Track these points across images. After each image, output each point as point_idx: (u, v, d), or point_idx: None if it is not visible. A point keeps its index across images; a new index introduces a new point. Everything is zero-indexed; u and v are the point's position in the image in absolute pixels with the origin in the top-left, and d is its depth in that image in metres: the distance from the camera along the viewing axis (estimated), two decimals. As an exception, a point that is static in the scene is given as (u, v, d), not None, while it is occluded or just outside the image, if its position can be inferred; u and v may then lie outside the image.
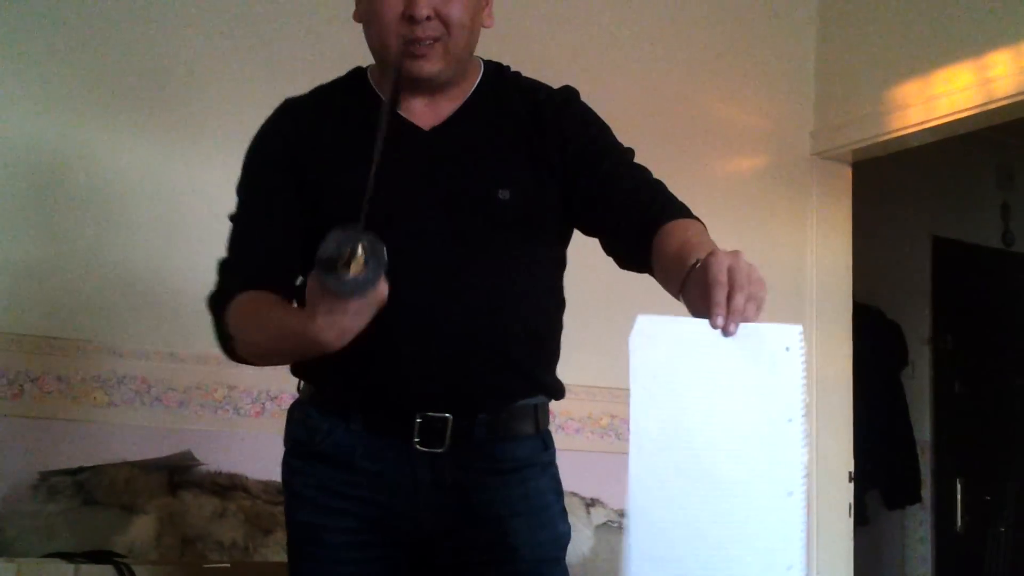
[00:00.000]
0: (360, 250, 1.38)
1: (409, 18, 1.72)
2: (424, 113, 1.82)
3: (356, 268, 1.38)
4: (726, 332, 1.37)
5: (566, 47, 3.75)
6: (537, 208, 1.81)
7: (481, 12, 1.83)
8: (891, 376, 5.81)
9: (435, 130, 1.81)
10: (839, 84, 4.35)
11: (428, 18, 1.72)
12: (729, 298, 1.37)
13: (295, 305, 1.73)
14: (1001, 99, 3.73)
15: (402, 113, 1.80)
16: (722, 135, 4.22)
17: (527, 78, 1.93)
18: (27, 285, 3.09)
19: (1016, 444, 5.65)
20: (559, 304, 1.92)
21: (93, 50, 3.24)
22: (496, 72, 1.91)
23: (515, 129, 1.83)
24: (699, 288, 1.41)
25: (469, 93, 1.86)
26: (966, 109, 3.85)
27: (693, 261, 1.46)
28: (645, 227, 1.69)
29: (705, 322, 1.38)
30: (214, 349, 2.84)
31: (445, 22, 1.74)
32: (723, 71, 4.25)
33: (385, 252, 1.39)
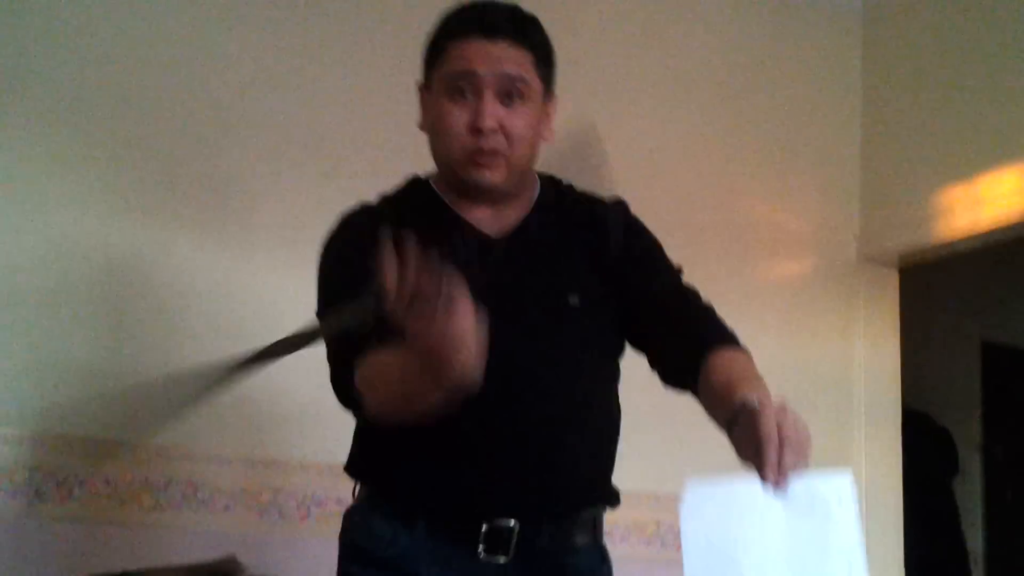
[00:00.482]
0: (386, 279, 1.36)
1: (476, 130, 1.77)
2: (490, 222, 1.86)
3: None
4: (777, 491, 1.39)
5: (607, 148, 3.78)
6: (603, 315, 1.85)
7: (542, 127, 1.88)
8: (942, 484, 5.72)
9: (504, 239, 1.85)
10: (884, 187, 4.36)
11: (493, 130, 1.76)
12: (780, 455, 1.39)
13: None
14: (1048, 204, 3.72)
15: (470, 221, 1.85)
16: (766, 239, 4.23)
17: (580, 189, 1.98)
18: (80, 387, 3.12)
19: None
20: (619, 412, 1.94)
21: (162, 160, 3.32)
22: (552, 183, 1.96)
23: (579, 238, 1.88)
24: (746, 434, 1.44)
25: (531, 203, 1.91)
26: (1013, 214, 3.84)
27: (739, 401, 1.49)
28: (693, 352, 1.72)
29: (755, 482, 1.40)
30: (259, 451, 2.87)
31: (508, 135, 1.78)
32: (766, 174, 4.27)
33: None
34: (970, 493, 5.86)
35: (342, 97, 3.58)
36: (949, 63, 4.17)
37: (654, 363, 1.84)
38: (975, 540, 5.81)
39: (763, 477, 1.38)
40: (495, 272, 1.79)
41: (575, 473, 1.79)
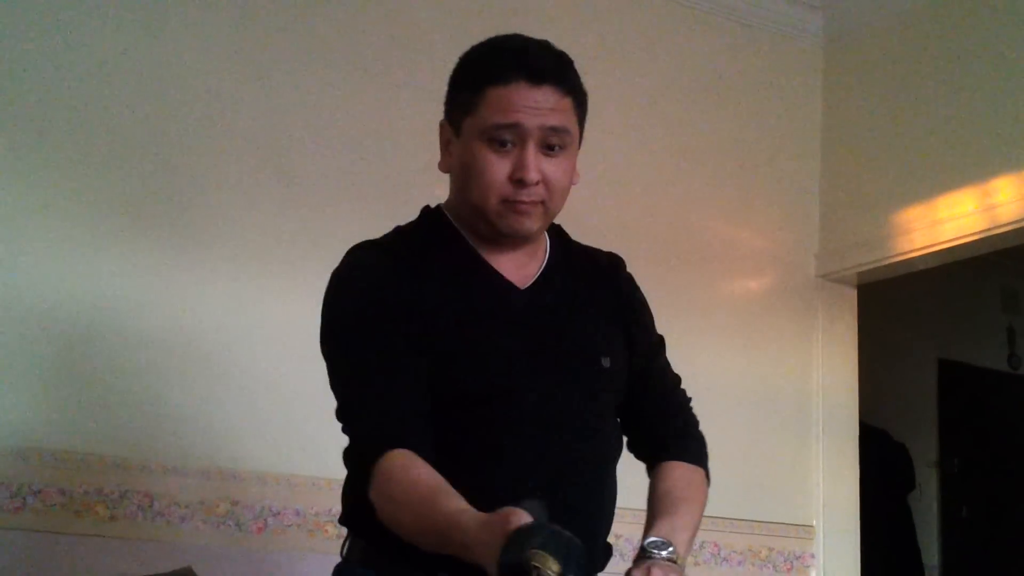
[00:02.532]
0: (551, 558, 1.22)
1: (519, 181, 1.69)
2: (513, 270, 1.79)
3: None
4: None
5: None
6: (625, 378, 1.83)
7: (574, 171, 1.80)
8: (898, 499, 5.77)
9: (530, 289, 1.79)
10: (843, 207, 4.40)
11: (536, 182, 1.69)
12: None
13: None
14: (1005, 224, 3.76)
15: (495, 267, 1.78)
16: (726, 257, 4.26)
17: (575, 240, 1.95)
18: (33, 400, 3.10)
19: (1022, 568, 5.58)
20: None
21: (122, 181, 3.31)
22: (556, 231, 1.91)
23: (595, 295, 1.85)
24: None
25: (546, 251, 1.85)
26: (970, 234, 3.88)
27: (647, 541, 1.61)
28: (656, 448, 1.86)
29: None
30: (216, 463, 2.82)
31: (548, 185, 1.71)
32: (727, 192, 4.30)
33: (579, 550, 1.25)
34: (926, 508, 5.91)
35: (305, 119, 3.57)
36: (908, 86, 4.22)
37: (625, 430, 1.88)
38: (931, 554, 5.86)
39: None
40: (523, 325, 1.75)
41: (596, 535, 1.74)
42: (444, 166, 1.80)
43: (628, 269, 1.96)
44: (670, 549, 1.61)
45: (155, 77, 3.41)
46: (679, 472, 1.81)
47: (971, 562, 5.84)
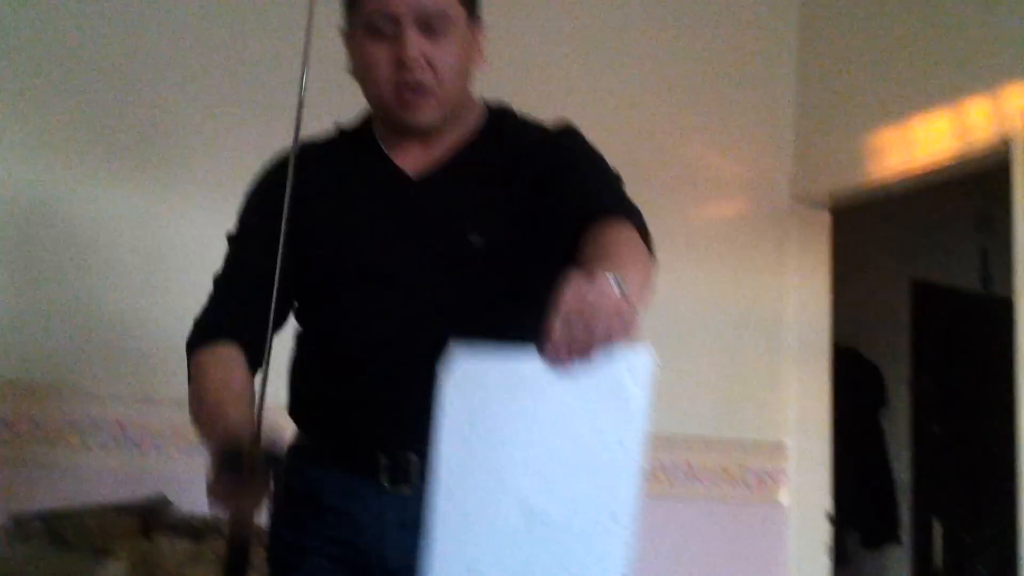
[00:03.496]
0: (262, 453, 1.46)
1: (399, 63, 1.72)
2: (417, 159, 1.82)
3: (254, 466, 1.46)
4: (560, 369, 1.29)
5: (541, 90, 3.76)
6: (514, 257, 1.78)
7: (471, 54, 1.82)
8: (870, 417, 5.83)
9: (423, 179, 1.81)
10: (818, 130, 4.39)
11: (417, 61, 1.71)
12: (570, 332, 1.28)
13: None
14: (978, 146, 3.76)
15: (394, 159, 1.82)
16: (701, 181, 4.26)
17: (531, 121, 1.90)
18: (2, 329, 3.08)
19: (994, 485, 5.66)
20: None
21: (80, 98, 3.26)
22: (499, 117, 1.90)
23: (505, 175, 1.81)
24: None
25: (465, 138, 1.85)
26: (944, 156, 3.88)
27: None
28: (580, 224, 1.61)
29: (534, 355, 1.29)
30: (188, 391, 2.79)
31: (435, 69, 1.73)
32: (701, 118, 4.28)
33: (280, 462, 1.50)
34: (898, 426, 5.97)
35: (272, 40, 3.50)
36: (884, 7, 4.18)
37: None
38: (902, 470, 5.93)
39: (542, 352, 1.27)
40: (405, 214, 1.79)
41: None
42: (350, 70, 1.85)
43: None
44: (615, 275, 1.35)
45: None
46: (608, 228, 1.58)
47: (941, 477, 5.93)
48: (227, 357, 1.75)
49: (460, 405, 1.30)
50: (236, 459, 1.45)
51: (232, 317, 1.80)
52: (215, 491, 1.50)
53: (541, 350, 1.28)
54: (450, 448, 1.30)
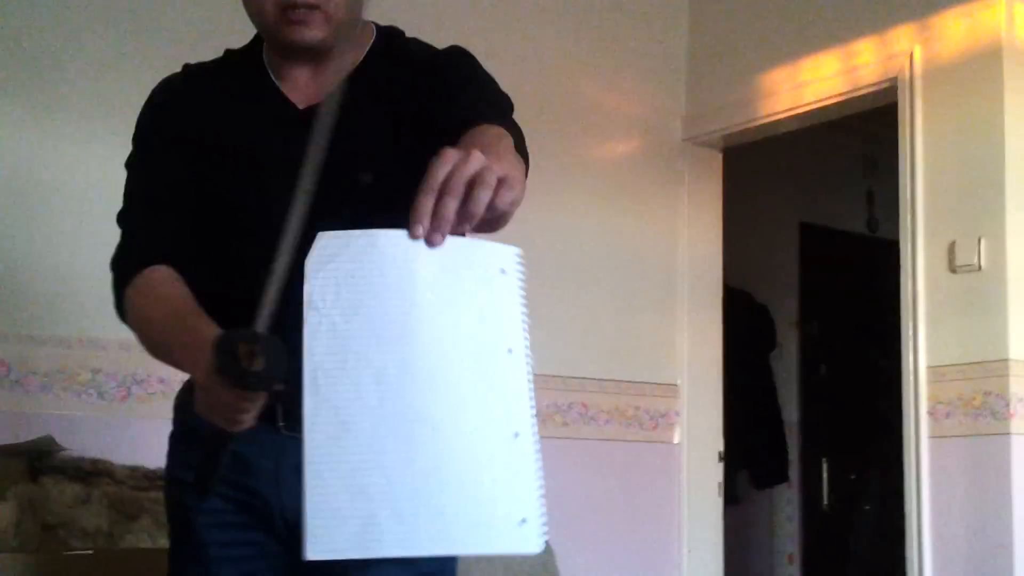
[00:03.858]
0: (261, 348, 1.26)
1: None
2: (305, 87, 1.74)
3: (256, 364, 1.26)
4: (429, 243, 1.22)
5: (433, 19, 3.72)
6: (404, 188, 1.75)
7: None
8: (760, 359, 5.93)
9: (309, 109, 1.72)
10: (710, 70, 4.42)
11: None
12: (439, 204, 1.22)
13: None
14: (866, 87, 3.83)
15: (282, 88, 1.74)
16: (594, 119, 4.26)
17: (419, 43, 1.82)
18: None
19: (880, 424, 5.82)
20: None
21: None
22: (387, 39, 1.82)
23: (393, 101, 1.73)
24: None
25: (355, 64, 1.75)
26: (832, 96, 3.94)
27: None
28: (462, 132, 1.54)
29: (403, 233, 1.22)
30: (76, 332, 2.74)
31: None
32: (595, 56, 4.28)
33: (286, 357, 1.27)
34: (787, 367, 6.09)
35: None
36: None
37: None
38: (790, 411, 6.06)
39: (410, 227, 1.22)
40: (290, 147, 1.61)
41: None
42: None
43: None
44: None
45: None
46: (487, 133, 1.52)
47: (829, 418, 6.07)
48: (165, 278, 1.68)
49: (325, 278, 1.24)
50: (234, 360, 1.27)
51: (152, 240, 1.73)
52: (216, 405, 1.40)
53: (409, 224, 1.23)
54: (318, 338, 1.24)
